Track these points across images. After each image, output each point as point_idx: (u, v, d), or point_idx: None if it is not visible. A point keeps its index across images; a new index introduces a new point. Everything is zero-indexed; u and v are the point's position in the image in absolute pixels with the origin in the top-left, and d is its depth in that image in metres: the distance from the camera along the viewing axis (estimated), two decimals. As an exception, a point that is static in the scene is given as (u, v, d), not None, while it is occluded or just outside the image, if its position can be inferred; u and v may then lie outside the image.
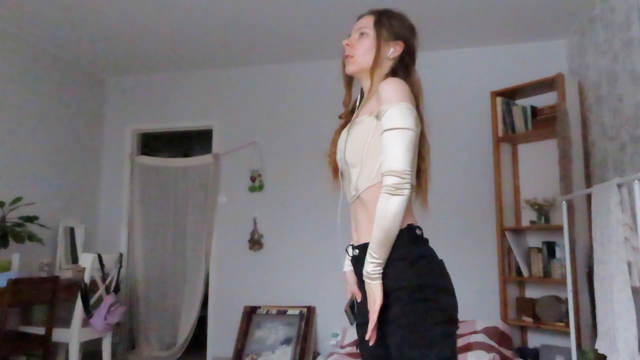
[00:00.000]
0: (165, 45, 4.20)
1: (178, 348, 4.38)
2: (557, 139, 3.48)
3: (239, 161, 4.53)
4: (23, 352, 3.43)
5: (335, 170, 1.57)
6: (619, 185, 2.35)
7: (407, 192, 1.27)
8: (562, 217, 3.14)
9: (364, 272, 1.32)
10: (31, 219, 3.63)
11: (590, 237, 2.73)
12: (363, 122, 1.43)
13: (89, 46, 4.22)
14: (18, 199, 3.64)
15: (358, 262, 1.42)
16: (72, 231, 4.34)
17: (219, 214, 4.52)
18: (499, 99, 3.83)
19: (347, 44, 1.54)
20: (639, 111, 2.80)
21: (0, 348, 2.93)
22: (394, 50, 1.50)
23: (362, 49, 1.51)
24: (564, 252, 3.18)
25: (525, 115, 3.76)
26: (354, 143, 1.43)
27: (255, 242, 4.40)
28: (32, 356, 3.57)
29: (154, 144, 5.49)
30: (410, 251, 1.32)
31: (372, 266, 1.30)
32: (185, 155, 5.01)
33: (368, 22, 1.53)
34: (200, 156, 4.74)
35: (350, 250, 1.49)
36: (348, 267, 1.57)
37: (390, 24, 1.52)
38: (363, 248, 1.39)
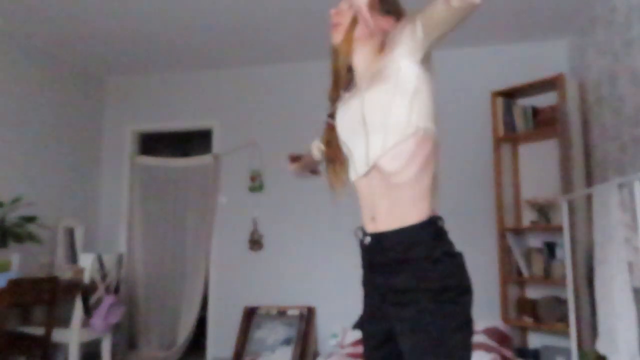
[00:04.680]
0: (165, 45, 4.19)
1: (178, 348, 4.37)
2: (557, 139, 3.48)
3: (239, 161, 4.52)
4: (22, 353, 3.42)
5: (334, 158, 1.43)
6: (620, 186, 2.34)
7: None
8: (562, 217, 3.14)
9: None
10: (31, 219, 3.62)
11: (591, 237, 2.72)
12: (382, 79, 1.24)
13: (89, 46, 4.22)
14: (18, 199, 3.63)
15: (371, 253, 1.27)
16: (71, 231, 4.33)
17: (219, 214, 4.52)
18: (499, 99, 3.82)
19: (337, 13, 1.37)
20: (640, 111, 2.80)
21: (0, 348, 2.93)
22: None
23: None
24: (564, 252, 3.17)
25: (526, 115, 3.75)
26: (376, 101, 1.23)
27: (255, 242, 4.40)
28: (32, 357, 3.56)
29: (154, 144, 5.48)
30: (434, 248, 1.20)
31: None
32: (185, 155, 5.00)
33: None
34: (200, 156, 4.73)
35: (359, 234, 1.31)
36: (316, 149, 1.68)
37: None
38: (378, 237, 1.24)
